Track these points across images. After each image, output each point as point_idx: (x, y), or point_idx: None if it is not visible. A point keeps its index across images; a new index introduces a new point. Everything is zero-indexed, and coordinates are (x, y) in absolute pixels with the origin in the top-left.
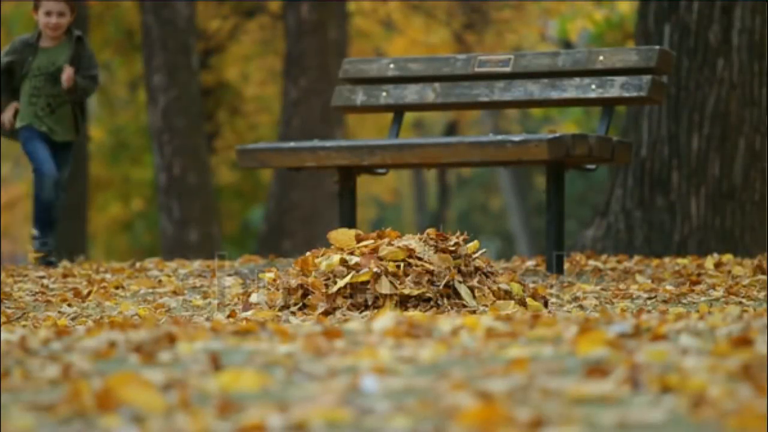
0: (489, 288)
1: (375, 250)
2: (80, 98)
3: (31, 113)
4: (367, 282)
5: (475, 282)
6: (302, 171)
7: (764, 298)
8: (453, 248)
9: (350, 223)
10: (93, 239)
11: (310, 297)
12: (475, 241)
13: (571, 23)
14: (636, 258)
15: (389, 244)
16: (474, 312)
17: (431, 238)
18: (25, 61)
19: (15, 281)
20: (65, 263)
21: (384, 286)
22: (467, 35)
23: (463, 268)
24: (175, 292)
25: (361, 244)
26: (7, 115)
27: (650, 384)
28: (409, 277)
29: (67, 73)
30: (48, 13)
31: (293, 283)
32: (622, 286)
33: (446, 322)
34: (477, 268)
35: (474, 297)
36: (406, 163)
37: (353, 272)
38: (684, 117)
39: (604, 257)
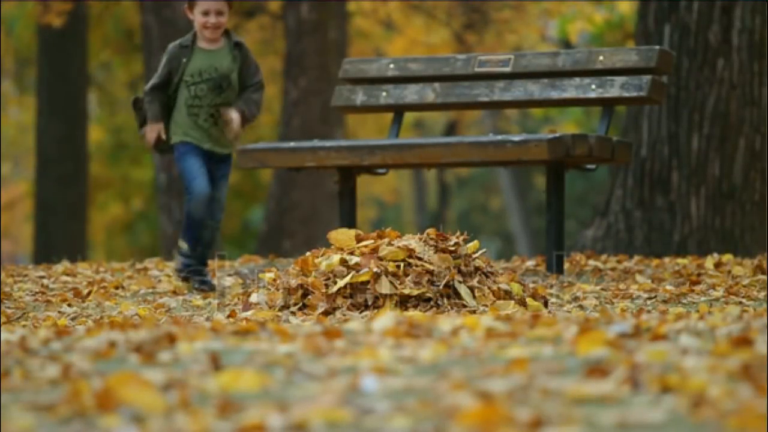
0: (489, 288)
1: (375, 250)
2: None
3: (191, 125)
4: (367, 282)
5: (475, 282)
6: (302, 171)
7: (764, 298)
8: (453, 248)
9: (350, 223)
10: (93, 239)
11: (310, 297)
12: (475, 241)
13: (571, 24)
14: (636, 258)
15: (389, 244)
16: (474, 312)
17: (431, 238)
18: (180, 65)
19: (15, 281)
20: (65, 263)
21: (384, 286)
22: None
23: (463, 268)
24: (175, 292)
25: (361, 244)
26: (151, 136)
27: (650, 384)
28: (409, 277)
29: (236, 126)
30: (205, 13)
31: (293, 283)
32: (622, 286)
33: (446, 322)
34: (477, 268)
35: (474, 297)
36: (406, 163)
37: (353, 272)
38: (684, 117)
39: (604, 257)
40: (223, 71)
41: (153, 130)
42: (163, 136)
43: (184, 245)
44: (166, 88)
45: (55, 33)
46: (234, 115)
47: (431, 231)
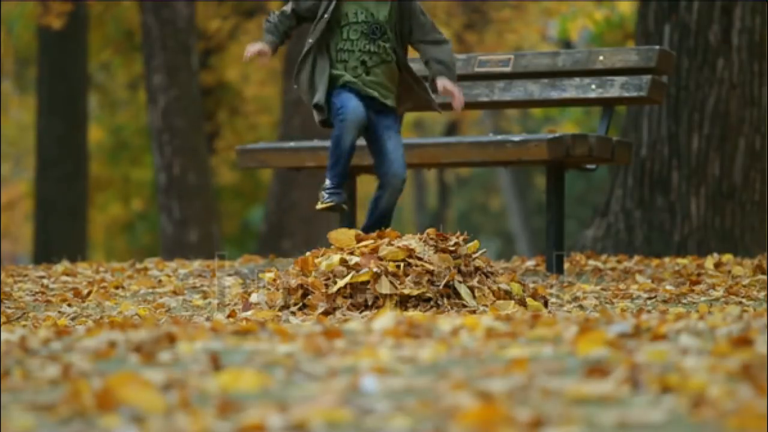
0: (489, 288)
1: (375, 250)
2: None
3: (341, 71)
4: (367, 282)
5: (474, 282)
6: (302, 171)
7: (764, 298)
8: (453, 248)
9: (350, 223)
10: (93, 239)
11: (310, 297)
12: (475, 241)
13: (571, 23)
14: (636, 258)
15: (389, 244)
16: (474, 312)
17: (431, 238)
18: (329, 4)
19: (15, 281)
20: (65, 263)
21: (384, 287)
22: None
23: (463, 268)
24: (175, 292)
25: (361, 244)
26: (252, 49)
27: (650, 384)
28: (409, 277)
29: (460, 99)
30: None
31: (293, 283)
32: (622, 286)
33: (446, 322)
34: (477, 268)
35: (474, 297)
36: (406, 163)
37: (353, 272)
38: (684, 117)
39: (604, 257)
40: (380, 19)
41: (256, 45)
42: (266, 57)
43: (327, 183)
44: (300, 19)
45: (55, 33)
46: (450, 87)
47: (431, 231)
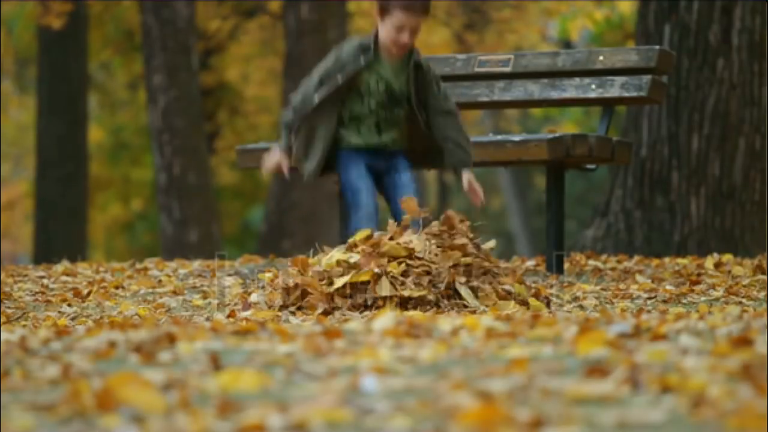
0: (494, 288)
1: (376, 245)
2: None
3: (353, 133)
4: (367, 282)
5: (477, 282)
6: None
7: (764, 298)
8: (461, 243)
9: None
10: (93, 239)
11: (309, 299)
12: (492, 240)
13: (571, 23)
14: (636, 258)
15: (390, 239)
16: (474, 312)
17: (434, 235)
18: (354, 69)
19: (15, 281)
20: (65, 263)
21: (384, 288)
22: (467, 35)
23: (473, 262)
24: (175, 292)
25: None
26: (280, 164)
27: (650, 384)
28: (410, 279)
29: (478, 189)
30: (400, 28)
31: (291, 282)
32: (622, 286)
33: (446, 322)
34: (485, 268)
35: (477, 297)
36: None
37: (353, 272)
38: (684, 117)
39: (604, 257)
40: (398, 89)
41: (272, 157)
42: (285, 172)
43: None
44: (336, 101)
45: (55, 33)
46: (475, 185)
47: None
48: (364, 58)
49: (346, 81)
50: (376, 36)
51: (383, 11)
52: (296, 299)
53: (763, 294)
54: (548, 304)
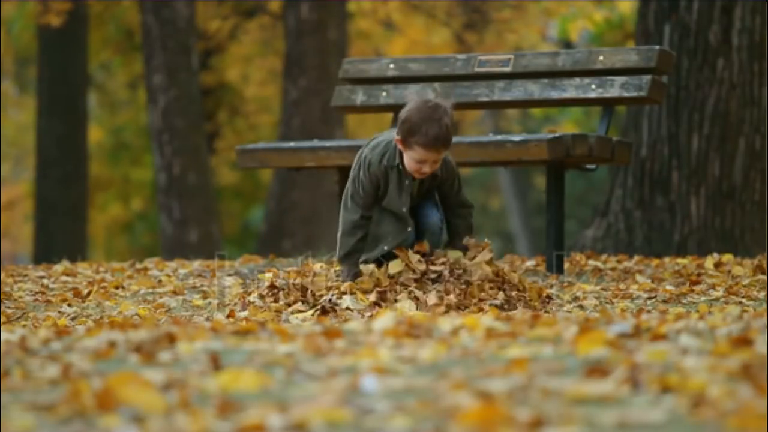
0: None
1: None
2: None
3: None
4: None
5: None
6: (302, 171)
7: (764, 298)
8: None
9: None
10: (93, 239)
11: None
12: (486, 241)
13: (571, 23)
14: (636, 258)
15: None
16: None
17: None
18: (382, 186)
19: (15, 281)
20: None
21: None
22: (467, 35)
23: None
24: (175, 292)
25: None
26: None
27: (650, 384)
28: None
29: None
30: (421, 161)
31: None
32: (622, 286)
33: (446, 322)
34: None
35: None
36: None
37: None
38: (684, 117)
39: (604, 257)
40: (417, 193)
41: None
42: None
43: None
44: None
45: (55, 33)
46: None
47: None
48: (389, 175)
49: (375, 197)
50: (400, 153)
51: (405, 144)
52: (297, 299)
53: (763, 294)
54: (548, 300)
